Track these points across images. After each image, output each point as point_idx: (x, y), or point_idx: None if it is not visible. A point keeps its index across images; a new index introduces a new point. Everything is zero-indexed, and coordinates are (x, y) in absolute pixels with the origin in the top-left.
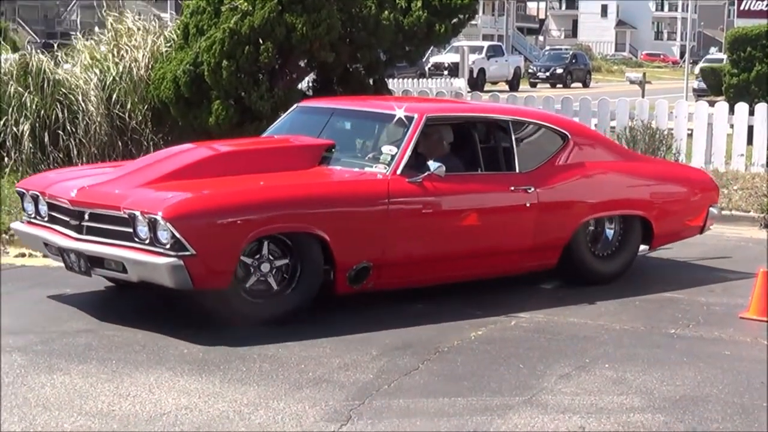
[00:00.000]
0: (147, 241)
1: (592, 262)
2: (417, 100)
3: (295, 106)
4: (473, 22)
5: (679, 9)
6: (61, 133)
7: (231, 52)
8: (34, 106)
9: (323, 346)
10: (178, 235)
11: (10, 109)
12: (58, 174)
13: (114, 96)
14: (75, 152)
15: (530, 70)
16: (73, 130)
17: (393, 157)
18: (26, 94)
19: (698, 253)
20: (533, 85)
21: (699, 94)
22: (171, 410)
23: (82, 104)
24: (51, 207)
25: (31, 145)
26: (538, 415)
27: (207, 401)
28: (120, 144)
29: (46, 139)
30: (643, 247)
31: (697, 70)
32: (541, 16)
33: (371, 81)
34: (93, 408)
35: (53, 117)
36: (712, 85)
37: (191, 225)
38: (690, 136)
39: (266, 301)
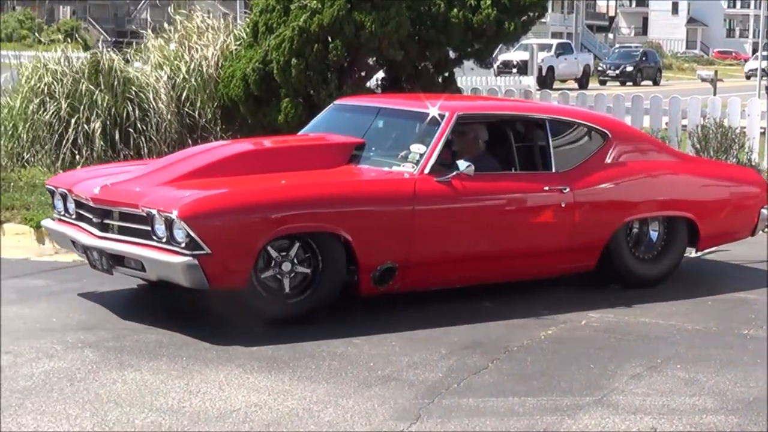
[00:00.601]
0: (164, 240)
1: (634, 265)
2: (453, 98)
3: (331, 104)
4: (543, 20)
5: (752, 6)
6: (131, 131)
7: (300, 50)
8: (105, 104)
9: (391, 344)
10: (193, 234)
11: (82, 107)
12: (87, 171)
13: (184, 94)
14: (146, 150)
15: (600, 68)
16: (144, 128)
17: (421, 155)
18: (97, 92)
19: None
20: (603, 83)
21: None
22: (241, 407)
23: (153, 102)
24: (78, 204)
25: (102, 143)
26: (609, 416)
27: (276, 399)
28: (190, 142)
29: (117, 136)
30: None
31: (746, 68)
32: (611, 13)
33: (440, 79)
34: (163, 404)
35: (124, 115)
36: None
37: (206, 224)
38: (763, 134)
39: (286, 301)
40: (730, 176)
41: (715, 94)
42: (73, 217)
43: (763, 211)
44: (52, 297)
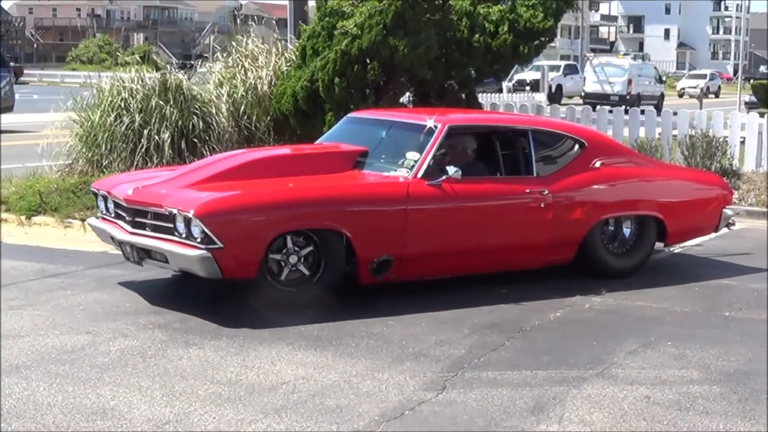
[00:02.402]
0: (184, 236)
1: (608, 258)
2: (448, 112)
3: (345, 117)
4: (552, 44)
5: (733, 32)
6: (196, 141)
7: (342, 70)
8: (173, 118)
9: (421, 324)
10: (207, 231)
11: (153, 120)
12: (128, 175)
13: (242, 109)
14: None
15: None
16: (207, 138)
17: (416, 162)
18: (167, 107)
19: (748, 248)
20: None
21: (750, 106)
22: (290, 380)
23: (215, 116)
24: (115, 205)
25: (170, 152)
26: (609, 386)
27: (321, 372)
28: None
29: (184, 146)
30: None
31: (679, 87)
32: (612, 38)
33: (464, 95)
34: (223, 377)
35: (190, 127)
36: (762, 99)
37: (219, 221)
38: (742, 143)
39: (296, 289)
40: (695, 180)
41: (701, 108)
42: (112, 215)
43: (725, 210)
44: (126, 285)
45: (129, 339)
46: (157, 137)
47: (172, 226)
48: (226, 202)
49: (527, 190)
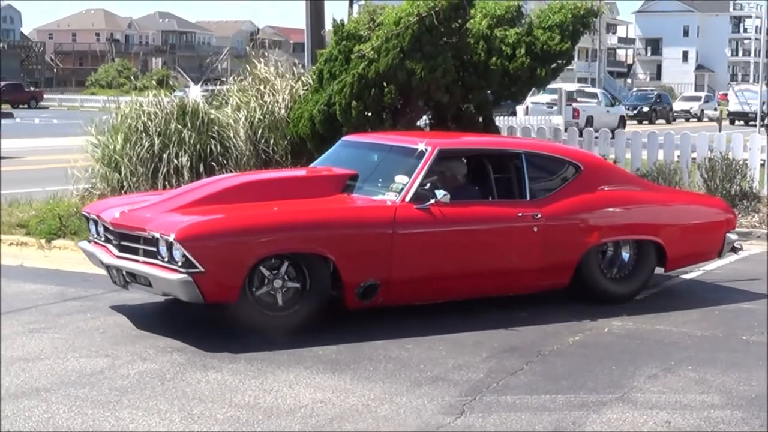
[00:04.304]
0: (166, 260)
1: (605, 283)
2: (439, 135)
3: (339, 141)
4: (570, 67)
5: (752, 54)
6: (214, 164)
7: (359, 94)
8: (191, 141)
9: (439, 348)
10: (188, 255)
11: (171, 144)
12: (118, 200)
13: (259, 133)
14: None
15: None
16: (225, 162)
17: (404, 185)
18: (185, 130)
19: (761, 272)
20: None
21: None
22: (308, 403)
23: (233, 140)
24: (105, 228)
25: (189, 175)
26: (629, 411)
27: (339, 396)
28: None
29: (202, 169)
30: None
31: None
32: (629, 61)
33: (481, 119)
34: (241, 401)
35: (208, 151)
36: None
37: (200, 245)
38: (762, 165)
39: (277, 313)
40: (696, 203)
41: (720, 131)
42: (102, 239)
43: (728, 235)
44: (145, 307)
45: (148, 362)
46: (175, 161)
47: (155, 249)
48: (208, 226)
49: (519, 214)
